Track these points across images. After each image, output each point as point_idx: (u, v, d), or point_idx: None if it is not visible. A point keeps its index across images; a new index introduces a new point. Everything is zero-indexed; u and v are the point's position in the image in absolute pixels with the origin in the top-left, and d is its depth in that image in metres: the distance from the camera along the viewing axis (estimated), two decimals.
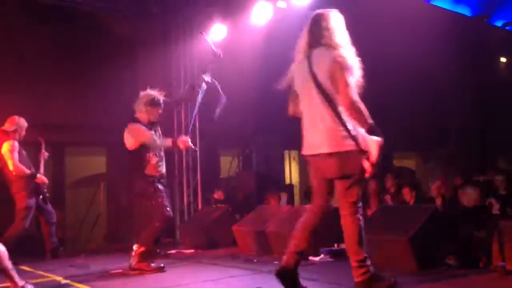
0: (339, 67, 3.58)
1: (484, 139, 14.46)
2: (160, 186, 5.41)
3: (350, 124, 3.59)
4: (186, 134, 5.60)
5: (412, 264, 4.47)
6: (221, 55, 5.63)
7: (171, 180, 9.12)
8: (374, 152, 3.47)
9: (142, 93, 5.54)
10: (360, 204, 3.70)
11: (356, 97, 3.53)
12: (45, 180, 6.69)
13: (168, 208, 5.36)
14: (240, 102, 9.94)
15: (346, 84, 3.54)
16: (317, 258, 5.49)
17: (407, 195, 7.09)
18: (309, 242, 3.90)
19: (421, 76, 13.11)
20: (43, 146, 6.98)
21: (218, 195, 8.81)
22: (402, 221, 4.82)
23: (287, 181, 12.43)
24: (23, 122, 6.62)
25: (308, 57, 3.79)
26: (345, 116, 3.60)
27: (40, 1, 8.12)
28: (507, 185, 6.98)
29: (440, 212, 5.57)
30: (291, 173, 13.12)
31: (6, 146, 6.42)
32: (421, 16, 11.61)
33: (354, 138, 3.56)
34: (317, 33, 3.77)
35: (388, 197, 7.83)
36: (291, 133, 12.78)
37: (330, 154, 3.61)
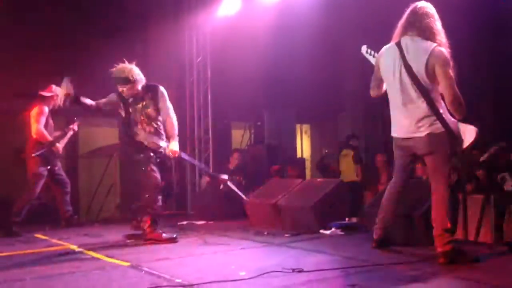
0: (440, 63, 3.82)
1: (499, 115, 14.28)
2: (151, 154, 5.43)
3: (442, 111, 3.89)
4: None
5: (424, 239, 4.48)
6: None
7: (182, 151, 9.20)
8: (470, 138, 3.91)
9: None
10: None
11: (457, 90, 3.81)
12: (60, 150, 6.75)
13: (156, 175, 5.35)
14: (252, 75, 9.92)
15: (449, 78, 3.81)
16: (327, 232, 5.53)
17: (420, 170, 7.07)
18: (394, 214, 4.36)
19: None
20: (75, 124, 7.09)
21: (233, 162, 8.77)
22: (415, 196, 4.81)
23: (299, 154, 12.44)
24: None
25: (400, 44, 4.01)
26: (437, 103, 3.89)
27: None
28: None
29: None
30: (303, 146, 13.12)
31: (36, 109, 6.53)
32: None
33: (444, 123, 3.85)
34: (416, 20, 3.99)
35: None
36: (303, 107, 12.77)
37: (424, 136, 3.90)
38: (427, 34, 3.96)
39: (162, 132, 5.59)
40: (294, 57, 10.41)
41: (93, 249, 4.98)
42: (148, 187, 5.33)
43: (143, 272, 3.87)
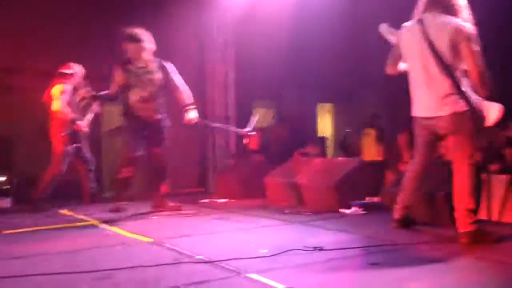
0: (464, 39, 3.73)
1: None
2: (134, 126, 5.43)
3: (465, 88, 3.80)
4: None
5: (446, 219, 4.43)
6: None
7: (203, 130, 9.23)
8: (493, 116, 3.83)
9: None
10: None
11: (483, 67, 3.72)
12: (83, 128, 6.83)
13: (132, 147, 5.35)
14: (274, 54, 9.85)
15: (474, 54, 3.72)
16: (348, 211, 5.53)
17: (443, 149, 6.96)
18: (415, 193, 4.35)
19: None
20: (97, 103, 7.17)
21: (252, 143, 8.76)
22: (438, 176, 4.74)
23: (321, 133, 12.40)
24: (80, 69, 6.81)
25: (421, 21, 3.91)
26: (460, 81, 3.80)
27: None
28: None
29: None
30: (325, 125, 13.07)
31: (58, 88, 6.62)
32: None
33: (467, 101, 3.78)
34: None
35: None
36: (324, 86, 12.65)
37: (447, 115, 3.83)
38: (450, 10, 3.85)
39: (160, 101, 5.57)
40: (318, 36, 10.28)
41: (116, 225, 5.06)
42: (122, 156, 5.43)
43: (165, 248, 3.92)
